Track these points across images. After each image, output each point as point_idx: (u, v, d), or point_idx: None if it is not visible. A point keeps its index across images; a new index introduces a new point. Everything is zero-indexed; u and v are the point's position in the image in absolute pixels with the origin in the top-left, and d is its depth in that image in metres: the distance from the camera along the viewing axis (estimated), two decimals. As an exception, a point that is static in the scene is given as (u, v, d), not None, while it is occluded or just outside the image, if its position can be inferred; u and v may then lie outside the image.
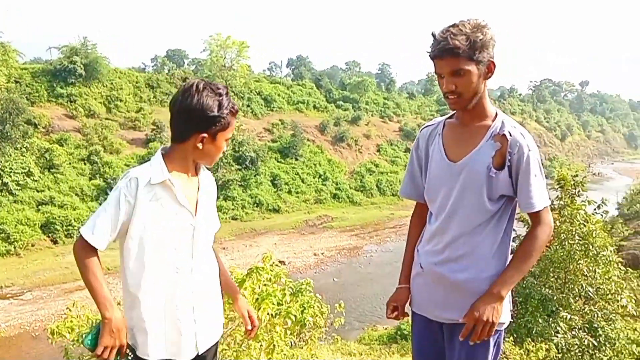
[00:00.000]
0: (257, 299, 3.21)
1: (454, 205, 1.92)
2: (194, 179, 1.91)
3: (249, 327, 2.06)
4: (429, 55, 1.83)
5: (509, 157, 1.83)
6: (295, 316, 3.34)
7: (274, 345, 3.05)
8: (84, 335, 1.82)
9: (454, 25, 1.77)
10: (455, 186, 1.91)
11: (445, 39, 1.75)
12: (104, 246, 1.81)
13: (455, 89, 1.80)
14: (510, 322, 6.55)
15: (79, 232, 1.77)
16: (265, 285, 3.34)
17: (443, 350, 2.05)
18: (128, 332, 1.81)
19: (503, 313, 1.88)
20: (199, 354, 1.91)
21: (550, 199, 1.95)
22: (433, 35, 1.81)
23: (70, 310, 4.12)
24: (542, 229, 1.87)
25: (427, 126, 2.11)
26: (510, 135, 1.84)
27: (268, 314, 3.09)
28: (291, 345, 3.89)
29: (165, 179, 1.79)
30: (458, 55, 1.74)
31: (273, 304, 3.16)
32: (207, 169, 2.01)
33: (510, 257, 1.96)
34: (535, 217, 1.88)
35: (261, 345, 3.06)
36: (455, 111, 1.98)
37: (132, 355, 1.82)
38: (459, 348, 1.93)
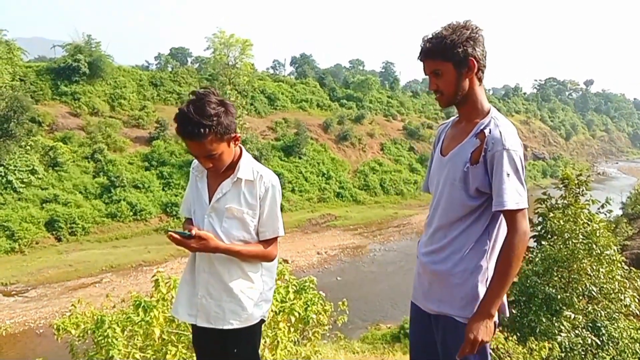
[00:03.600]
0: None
1: (438, 198, 2.04)
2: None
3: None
4: (418, 59, 2.00)
5: (484, 154, 1.88)
6: (299, 313, 3.37)
7: (278, 342, 3.08)
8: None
9: (438, 30, 1.93)
10: (441, 179, 2.03)
11: (423, 43, 1.94)
12: None
13: (437, 87, 1.95)
14: (514, 320, 6.47)
15: None
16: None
17: (433, 339, 2.10)
18: None
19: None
20: (197, 324, 2.14)
21: (527, 204, 1.87)
22: (422, 39, 1.97)
23: (75, 307, 4.14)
24: (517, 237, 1.86)
25: (442, 124, 2.25)
26: (490, 132, 1.90)
27: (271, 310, 3.10)
28: (295, 342, 3.90)
29: None
30: (433, 56, 1.92)
31: (277, 300, 3.18)
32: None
33: (491, 256, 1.97)
34: (510, 221, 1.88)
35: (265, 342, 3.08)
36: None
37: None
38: (441, 340, 2.03)
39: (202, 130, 1.89)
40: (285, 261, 25.79)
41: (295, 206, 36.31)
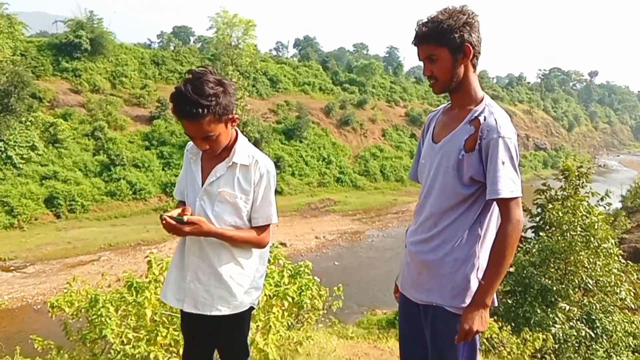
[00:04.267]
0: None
1: (429, 185, 2.00)
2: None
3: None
4: (412, 43, 1.95)
5: (479, 142, 1.85)
6: (293, 298, 3.36)
7: (270, 327, 3.07)
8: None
9: (433, 14, 1.89)
10: (433, 166, 1.99)
11: (419, 28, 1.88)
12: None
13: (432, 73, 1.91)
14: (509, 310, 6.48)
15: None
16: (263, 266, 3.34)
17: (422, 328, 2.09)
18: None
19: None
20: (183, 310, 2.11)
21: (521, 192, 1.86)
22: (416, 24, 1.92)
23: (70, 285, 4.14)
24: (511, 225, 1.83)
25: (432, 111, 2.22)
26: (484, 120, 1.87)
27: (265, 294, 3.09)
28: (289, 326, 3.90)
29: None
30: (428, 41, 1.87)
31: (271, 284, 3.16)
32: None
33: (482, 246, 1.95)
34: (504, 210, 1.85)
35: (257, 326, 3.07)
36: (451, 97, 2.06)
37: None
38: (430, 330, 2.01)
39: (199, 110, 1.83)
40: (283, 244, 25.87)
41: (294, 190, 36.31)
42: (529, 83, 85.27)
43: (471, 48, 1.86)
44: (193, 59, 41.97)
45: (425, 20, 1.88)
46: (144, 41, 64.08)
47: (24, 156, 26.92)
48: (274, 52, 66.95)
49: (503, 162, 1.82)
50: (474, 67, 1.93)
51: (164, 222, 1.92)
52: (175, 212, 1.98)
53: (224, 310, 2.06)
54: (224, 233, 2.01)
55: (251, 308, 2.16)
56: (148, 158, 31.65)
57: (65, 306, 3.55)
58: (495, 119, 1.86)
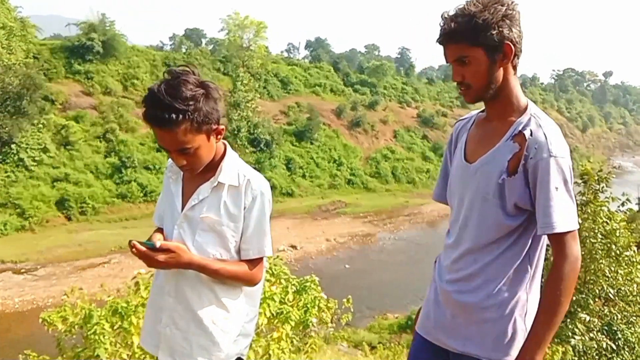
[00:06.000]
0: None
1: (466, 214, 1.65)
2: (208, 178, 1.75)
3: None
4: (437, 42, 1.58)
5: (524, 162, 1.52)
6: (299, 319, 3.12)
7: (270, 355, 2.83)
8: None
9: (462, 5, 1.52)
10: (467, 192, 1.64)
11: (446, 23, 1.52)
12: None
13: (463, 79, 1.56)
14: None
15: None
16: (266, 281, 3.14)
17: None
18: None
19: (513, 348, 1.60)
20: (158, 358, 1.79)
21: (577, 222, 1.54)
22: (441, 17, 1.55)
23: (68, 297, 3.96)
24: (568, 265, 1.49)
25: (460, 120, 1.85)
26: (531, 135, 1.53)
27: (265, 316, 2.86)
28: (293, 342, 3.69)
29: None
30: (458, 40, 1.51)
31: (269, 305, 2.90)
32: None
33: (532, 286, 1.62)
34: (558, 245, 1.50)
35: (256, 352, 2.85)
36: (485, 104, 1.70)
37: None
38: None
39: (173, 115, 1.52)
40: (294, 247, 25.70)
41: (305, 192, 36.17)
42: (542, 84, 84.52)
43: (512, 46, 1.52)
44: (204, 61, 42.01)
45: (454, 13, 1.52)
46: (156, 43, 64.37)
47: (36, 158, 27.09)
48: (285, 54, 66.87)
49: (556, 188, 1.49)
50: (514, 68, 1.59)
51: (134, 249, 1.59)
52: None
53: None
54: (208, 265, 1.67)
55: (238, 359, 1.82)
56: (159, 160, 31.67)
57: (57, 322, 3.34)
58: (544, 134, 1.52)
